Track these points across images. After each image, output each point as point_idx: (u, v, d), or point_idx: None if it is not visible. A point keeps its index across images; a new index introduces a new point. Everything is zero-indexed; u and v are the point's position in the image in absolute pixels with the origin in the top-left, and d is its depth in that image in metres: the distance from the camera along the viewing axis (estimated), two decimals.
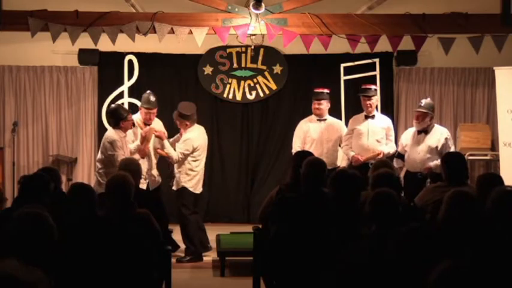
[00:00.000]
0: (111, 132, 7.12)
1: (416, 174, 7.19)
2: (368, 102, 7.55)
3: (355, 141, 7.52)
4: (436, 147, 7.20)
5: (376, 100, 7.69)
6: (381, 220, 3.70)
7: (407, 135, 7.51)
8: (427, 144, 7.24)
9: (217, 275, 6.98)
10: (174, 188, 7.44)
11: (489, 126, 9.39)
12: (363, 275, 3.22)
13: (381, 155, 7.35)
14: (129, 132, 7.25)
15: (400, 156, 7.57)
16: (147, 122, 7.44)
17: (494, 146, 9.25)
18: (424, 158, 7.19)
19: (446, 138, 7.32)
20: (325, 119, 7.76)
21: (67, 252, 3.64)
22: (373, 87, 7.74)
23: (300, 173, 4.89)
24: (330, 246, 3.98)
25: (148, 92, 7.50)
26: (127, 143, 7.14)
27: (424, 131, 7.30)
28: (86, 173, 9.33)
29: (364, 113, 7.62)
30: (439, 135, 7.32)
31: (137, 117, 7.62)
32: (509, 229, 3.48)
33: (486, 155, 9.30)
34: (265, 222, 5.32)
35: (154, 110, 7.41)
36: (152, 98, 7.37)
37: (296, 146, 7.68)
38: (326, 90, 7.77)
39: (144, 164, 7.02)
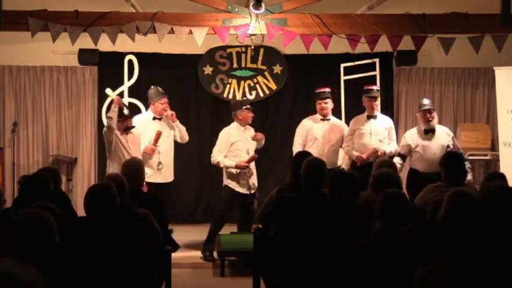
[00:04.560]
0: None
1: (432, 175, 7.06)
2: (374, 103, 7.57)
3: (358, 141, 7.52)
4: (448, 145, 7.22)
5: (379, 101, 7.71)
6: (390, 220, 3.71)
7: (413, 136, 7.45)
8: (439, 144, 7.25)
9: (217, 275, 6.98)
10: (253, 191, 7.52)
11: (489, 126, 9.39)
12: (363, 275, 3.22)
13: (379, 152, 7.35)
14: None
15: (400, 156, 7.56)
16: (157, 116, 7.59)
17: (494, 146, 9.26)
18: (439, 158, 7.14)
19: (453, 138, 7.42)
20: (328, 119, 7.77)
21: (67, 252, 3.64)
22: (375, 87, 7.75)
23: (300, 173, 4.89)
24: (330, 246, 3.98)
25: (153, 86, 7.71)
26: (130, 141, 7.20)
27: (431, 131, 7.31)
28: (86, 173, 9.33)
29: (366, 114, 7.62)
30: (445, 135, 7.38)
31: (147, 115, 7.64)
32: (500, 225, 3.46)
33: (486, 155, 9.30)
34: (265, 222, 5.33)
35: (167, 100, 7.64)
36: (161, 90, 7.66)
37: (297, 144, 7.68)
38: (328, 89, 7.80)
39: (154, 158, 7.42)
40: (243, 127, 7.57)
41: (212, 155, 7.55)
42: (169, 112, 7.63)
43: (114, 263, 3.76)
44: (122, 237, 3.93)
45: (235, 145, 7.49)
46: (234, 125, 7.61)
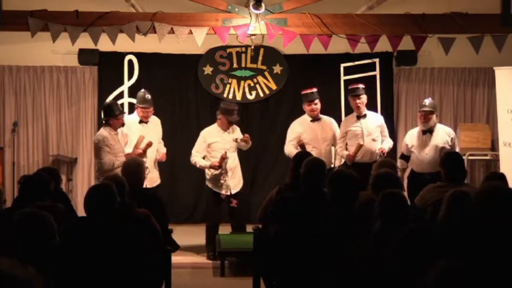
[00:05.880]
0: (99, 132, 7.31)
1: (424, 175, 7.12)
2: (358, 101, 7.54)
3: (352, 142, 7.48)
4: (443, 147, 7.20)
5: (365, 99, 7.64)
6: (389, 221, 3.70)
7: (412, 136, 7.48)
8: (434, 144, 7.24)
9: (217, 275, 6.98)
10: (234, 191, 7.53)
11: (489, 126, 9.39)
12: (363, 275, 3.22)
13: (381, 150, 7.35)
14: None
15: (403, 157, 7.56)
16: (143, 120, 7.51)
17: (494, 146, 9.25)
18: (432, 158, 7.16)
19: (452, 139, 7.36)
20: (318, 119, 7.72)
21: (67, 252, 3.64)
22: (360, 86, 7.67)
23: (300, 173, 4.89)
24: (330, 246, 3.97)
25: (143, 90, 7.63)
26: (120, 140, 7.21)
27: (429, 131, 7.31)
28: (86, 173, 9.33)
29: (356, 114, 7.60)
30: (445, 135, 7.34)
31: (133, 118, 7.62)
32: (496, 225, 3.45)
33: (486, 155, 9.30)
34: (265, 222, 5.33)
35: (151, 109, 7.52)
36: (148, 97, 7.55)
37: (291, 149, 7.53)
38: (315, 89, 7.74)
39: None
40: (222, 129, 7.55)
41: (191, 155, 7.58)
42: (163, 153, 7.60)
43: (114, 263, 3.76)
44: (122, 237, 3.93)
45: (213, 146, 7.50)
46: (215, 125, 7.62)
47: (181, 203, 9.42)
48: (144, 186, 7.23)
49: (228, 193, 7.51)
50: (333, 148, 7.77)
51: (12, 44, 8.91)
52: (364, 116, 7.57)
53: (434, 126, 7.36)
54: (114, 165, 6.96)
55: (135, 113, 7.68)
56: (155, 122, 7.72)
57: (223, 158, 7.35)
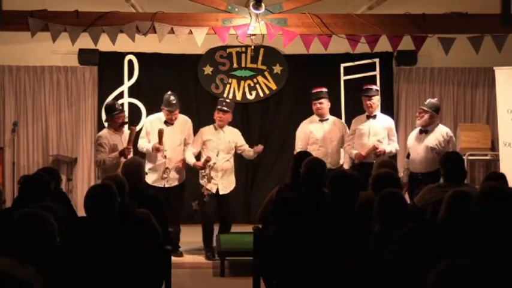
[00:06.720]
0: (101, 132, 7.40)
1: (417, 174, 7.18)
2: (368, 102, 7.59)
3: (357, 141, 7.56)
4: (433, 148, 7.19)
5: (377, 100, 7.71)
6: (387, 221, 3.70)
7: (412, 135, 7.56)
8: (425, 145, 7.26)
9: (217, 275, 6.98)
10: (223, 192, 7.51)
11: (489, 126, 9.39)
12: (363, 275, 3.22)
13: (378, 150, 7.37)
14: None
15: (409, 156, 7.60)
16: (169, 122, 7.51)
17: (494, 146, 9.26)
18: (422, 158, 7.19)
19: (446, 140, 7.29)
20: (327, 119, 7.76)
21: (67, 252, 3.64)
22: (374, 87, 7.77)
23: (300, 173, 4.89)
24: (330, 246, 3.97)
25: (169, 93, 7.60)
26: (120, 141, 7.21)
27: (425, 131, 7.32)
28: (86, 173, 9.34)
29: (366, 113, 7.65)
30: (439, 136, 7.32)
31: (158, 116, 7.60)
32: (496, 225, 3.45)
33: (486, 155, 9.30)
34: (265, 222, 5.33)
35: (176, 112, 7.51)
36: (173, 100, 7.50)
37: (298, 149, 7.58)
38: (324, 89, 7.77)
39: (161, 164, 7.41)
40: (218, 127, 7.56)
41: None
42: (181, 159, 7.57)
43: (114, 263, 3.76)
44: (122, 237, 3.93)
45: (207, 144, 7.52)
46: (214, 125, 7.64)
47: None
48: (163, 185, 7.35)
49: (215, 192, 7.49)
50: (341, 150, 7.80)
51: (12, 44, 8.92)
52: (374, 116, 7.62)
53: (432, 126, 7.35)
54: (106, 163, 7.01)
55: (162, 113, 7.65)
56: (180, 124, 7.64)
57: (207, 161, 7.36)
